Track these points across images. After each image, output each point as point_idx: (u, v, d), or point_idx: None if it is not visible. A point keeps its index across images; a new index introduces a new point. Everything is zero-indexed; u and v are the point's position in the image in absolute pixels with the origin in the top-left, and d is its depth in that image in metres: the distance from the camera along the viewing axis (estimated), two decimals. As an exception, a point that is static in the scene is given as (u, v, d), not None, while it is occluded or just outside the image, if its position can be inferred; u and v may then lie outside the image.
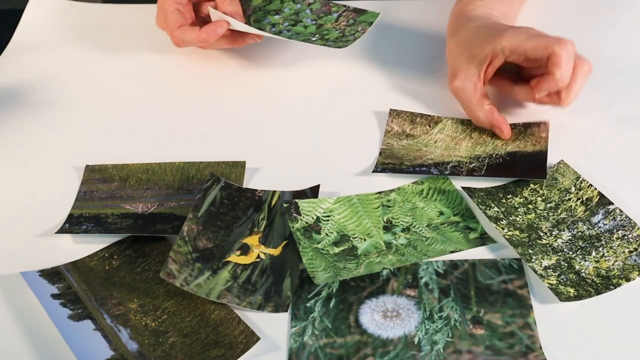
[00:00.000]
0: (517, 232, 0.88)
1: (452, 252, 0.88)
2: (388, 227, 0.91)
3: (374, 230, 0.91)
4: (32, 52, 1.17)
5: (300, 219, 0.92)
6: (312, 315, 0.83)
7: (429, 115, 1.04)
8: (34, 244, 0.92)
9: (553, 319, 0.81)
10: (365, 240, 0.90)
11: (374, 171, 0.98)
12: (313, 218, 0.92)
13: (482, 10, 1.05)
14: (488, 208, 0.91)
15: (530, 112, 1.03)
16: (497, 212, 0.91)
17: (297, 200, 0.93)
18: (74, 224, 0.93)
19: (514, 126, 1.01)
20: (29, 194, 0.98)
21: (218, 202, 0.93)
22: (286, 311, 0.84)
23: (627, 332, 0.80)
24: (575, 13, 1.16)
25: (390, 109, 1.05)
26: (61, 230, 0.93)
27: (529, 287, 0.83)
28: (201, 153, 1.01)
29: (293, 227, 0.91)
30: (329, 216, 0.92)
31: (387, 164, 0.98)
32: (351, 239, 0.90)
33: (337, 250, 0.89)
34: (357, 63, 1.13)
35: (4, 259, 0.91)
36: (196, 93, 1.10)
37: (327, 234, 0.91)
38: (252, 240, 0.90)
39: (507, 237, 0.88)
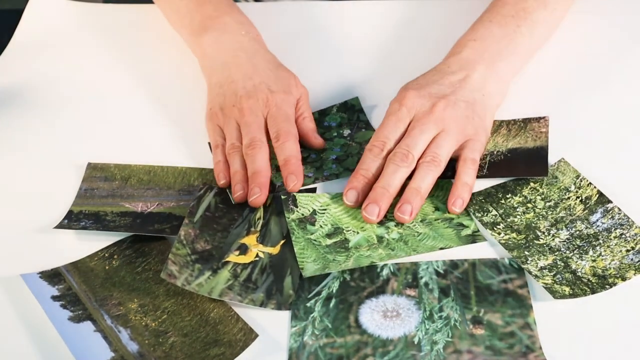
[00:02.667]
0: (514, 235, 0.88)
1: (441, 248, 0.88)
2: (382, 221, 0.91)
3: (367, 224, 0.91)
4: (32, 52, 1.17)
5: (297, 211, 0.92)
6: (312, 315, 0.83)
7: None
8: (34, 242, 0.92)
9: (553, 319, 0.81)
10: (358, 233, 0.90)
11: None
12: (309, 210, 0.92)
13: (469, 52, 1.01)
14: (485, 214, 0.91)
15: (529, 108, 1.03)
16: (495, 215, 0.91)
17: (295, 193, 0.93)
18: (72, 220, 0.93)
19: (513, 122, 1.01)
20: (30, 193, 0.98)
21: (213, 207, 0.93)
22: (289, 309, 0.84)
23: (627, 332, 0.80)
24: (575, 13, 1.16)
25: None
26: (60, 226, 0.93)
27: (529, 287, 0.83)
28: (203, 158, 1.01)
29: (289, 218, 0.91)
30: (325, 209, 0.93)
31: (388, 165, 0.98)
32: (344, 231, 0.90)
33: (329, 242, 0.89)
34: (357, 63, 1.13)
35: (4, 257, 0.91)
36: (197, 94, 1.09)
37: (321, 226, 0.91)
38: (250, 240, 0.90)
39: (503, 242, 0.87)
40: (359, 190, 0.92)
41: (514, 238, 0.88)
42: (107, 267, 0.89)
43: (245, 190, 0.94)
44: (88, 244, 0.92)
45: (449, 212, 0.92)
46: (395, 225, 0.91)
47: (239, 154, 0.96)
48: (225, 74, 1.02)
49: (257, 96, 0.99)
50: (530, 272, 0.84)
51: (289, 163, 0.95)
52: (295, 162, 0.95)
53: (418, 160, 0.92)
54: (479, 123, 0.96)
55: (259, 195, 0.93)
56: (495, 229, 0.89)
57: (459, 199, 0.92)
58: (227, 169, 0.97)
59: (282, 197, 0.93)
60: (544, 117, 1.01)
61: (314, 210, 0.93)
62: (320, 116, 1.04)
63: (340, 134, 1.02)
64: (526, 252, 0.86)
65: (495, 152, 0.98)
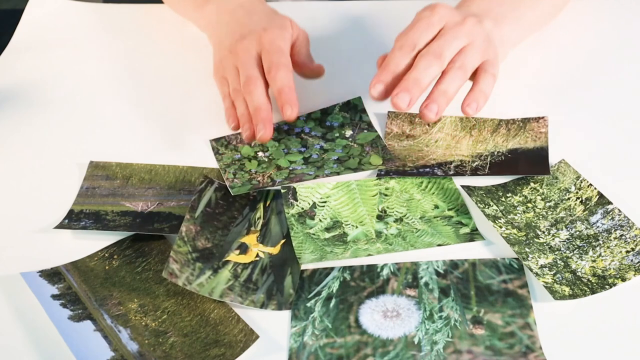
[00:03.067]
0: (514, 231, 0.88)
1: (439, 245, 0.88)
2: (381, 216, 0.92)
3: (367, 218, 0.91)
4: (32, 52, 1.17)
5: (297, 205, 0.92)
6: (312, 315, 0.83)
7: None
8: (34, 241, 0.92)
9: (553, 319, 0.81)
10: (357, 227, 0.90)
11: (378, 175, 0.97)
12: (309, 204, 0.92)
13: (476, 9, 1.02)
14: (487, 206, 0.91)
15: (529, 108, 1.03)
16: (496, 210, 0.91)
17: (295, 186, 0.94)
18: (73, 220, 0.93)
19: (512, 121, 1.01)
20: (30, 193, 0.99)
21: (214, 203, 0.93)
22: (289, 309, 0.84)
23: (626, 332, 0.80)
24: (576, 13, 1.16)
25: (389, 112, 1.04)
26: (60, 226, 0.93)
27: (529, 287, 0.83)
28: (204, 158, 1.01)
29: (288, 214, 0.91)
30: (325, 202, 0.93)
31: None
32: (343, 225, 0.91)
33: (327, 235, 0.90)
34: (355, 66, 1.13)
35: (4, 257, 0.91)
36: (198, 93, 1.09)
37: (320, 220, 0.91)
38: (250, 239, 0.90)
39: (505, 235, 0.88)
40: (387, 84, 0.92)
41: (515, 234, 0.88)
42: (107, 267, 0.89)
43: (252, 129, 0.96)
44: (88, 243, 0.92)
45: (447, 210, 0.92)
46: (394, 222, 0.91)
47: (242, 96, 0.98)
48: (225, 30, 1.04)
49: (251, 37, 1.00)
50: (531, 269, 0.84)
51: (283, 92, 0.95)
52: (289, 91, 0.95)
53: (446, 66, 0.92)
54: (495, 52, 0.97)
55: (263, 132, 0.94)
56: (496, 222, 0.89)
57: (474, 102, 0.91)
58: (235, 113, 0.99)
59: (282, 190, 0.93)
60: (543, 117, 1.01)
61: (314, 204, 0.93)
62: (323, 115, 1.04)
63: (342, 135, 1.02)
64: (527, 249, 0.86)
65: (495, 153, 0.98)
